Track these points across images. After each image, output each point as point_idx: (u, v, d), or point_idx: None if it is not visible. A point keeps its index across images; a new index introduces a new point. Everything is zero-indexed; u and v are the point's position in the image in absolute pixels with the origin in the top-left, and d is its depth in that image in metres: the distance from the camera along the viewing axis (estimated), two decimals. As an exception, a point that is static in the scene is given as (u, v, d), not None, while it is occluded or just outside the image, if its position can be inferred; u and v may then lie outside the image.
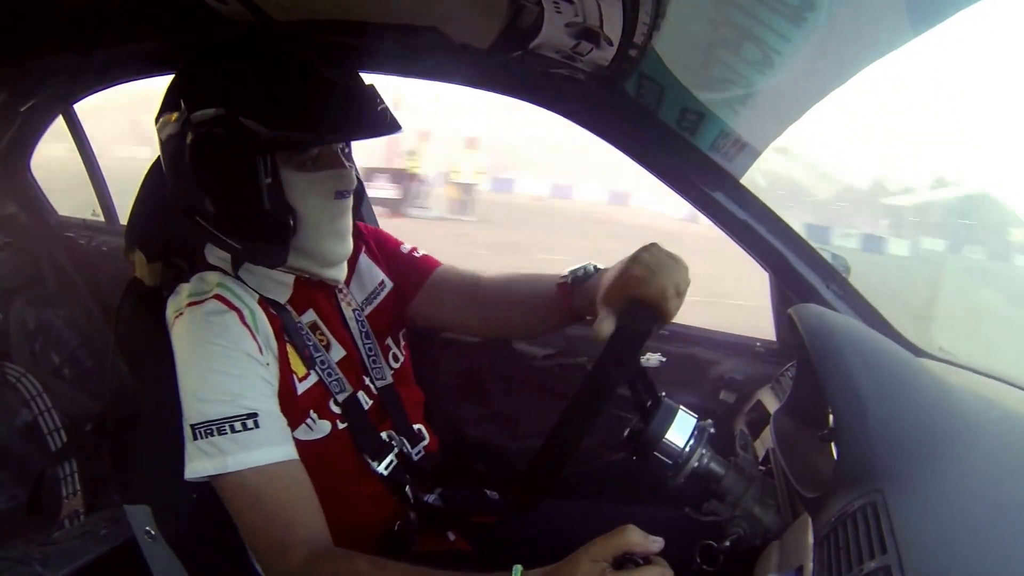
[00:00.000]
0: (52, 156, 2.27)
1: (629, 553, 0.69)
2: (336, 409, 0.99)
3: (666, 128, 1.16)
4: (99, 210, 2.25)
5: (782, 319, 1.30)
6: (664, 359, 1.34)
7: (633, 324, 0.83)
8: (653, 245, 0.88)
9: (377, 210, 2.12)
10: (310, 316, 1.03)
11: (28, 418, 1.81)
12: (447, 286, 1.17)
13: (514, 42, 1.06)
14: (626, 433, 0.93)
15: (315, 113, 0.90)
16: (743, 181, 1.20)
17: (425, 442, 1.12)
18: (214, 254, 1.00)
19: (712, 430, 0.90)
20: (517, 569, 0.73)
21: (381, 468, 1.02)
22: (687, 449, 0.87)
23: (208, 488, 0.89)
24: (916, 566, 0.54)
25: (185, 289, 0.96)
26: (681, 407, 0.90)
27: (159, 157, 1.05)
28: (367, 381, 1.06)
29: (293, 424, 0.93)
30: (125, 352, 1.04)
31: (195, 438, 0.86)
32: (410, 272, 1.17)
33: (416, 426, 1.12)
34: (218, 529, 0.92)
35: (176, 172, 0.93)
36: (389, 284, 1.16)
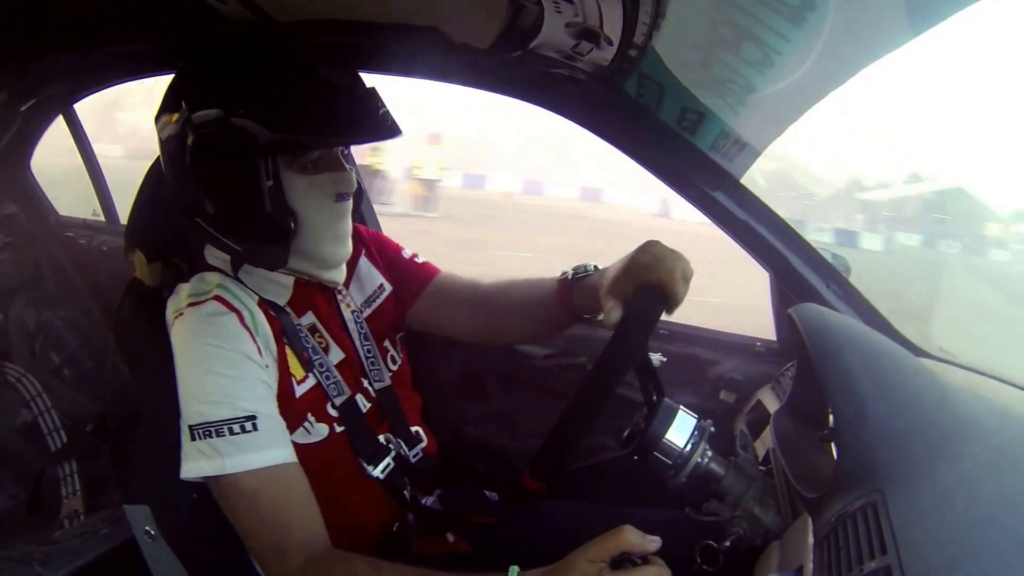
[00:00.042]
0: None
1: (626, 553, 0.69)
2: (333, 412, 0.99)
3: (666, 128, 1.16)
4: (99, 210, 2.25)
5: (782, 319, 1.30)
6: (664, 359, 1.34)
7: (643, 308, 0.86)
8: (655, 241, 0.91)
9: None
10: (309, 318, 1.03)
11: (28, 418, 1.81)
12: (446, 293, 1.18)
13: (514, 42, 1.06)
14: (626, 433, 0.93)
15: (317, 116, 0.90)
16: (743, 181, 1.20)
17: (423, 444, 1.12)
18: (213, 255, 1.00)
19: (712, 430, 0.90)
20: (514, 570, 0.73)
21: (377, 472, 1.01)
22: (687, 449, 0.88)
23: (206, 487, 0.89)
24: (916, 566, 0.54)
25: (185, 289, 0.96)
26: (681, 407, 0.91)
27: (159, 157, 1.05)
28: (365, 383, 1.06)
29: (291, 427, 0.93)
30: (125, 352, 1.04)
31: (193, 439, 0.86)
32: (410, 278, 1.18)
33: (414, 428, 1.12)
34: (218, 529, 0.92)
35: (176, 173, 0.93)
36: (388, 288, 1.16)
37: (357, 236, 1.12)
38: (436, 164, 11.95)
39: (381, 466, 1.02)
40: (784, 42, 0.86)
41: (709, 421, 0.91)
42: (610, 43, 0.98)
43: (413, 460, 1.09)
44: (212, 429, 0.85)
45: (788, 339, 1.28)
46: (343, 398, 1.00)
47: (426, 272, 1.19)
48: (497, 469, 1.46)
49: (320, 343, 1.01)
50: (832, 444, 0.81)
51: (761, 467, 0.97)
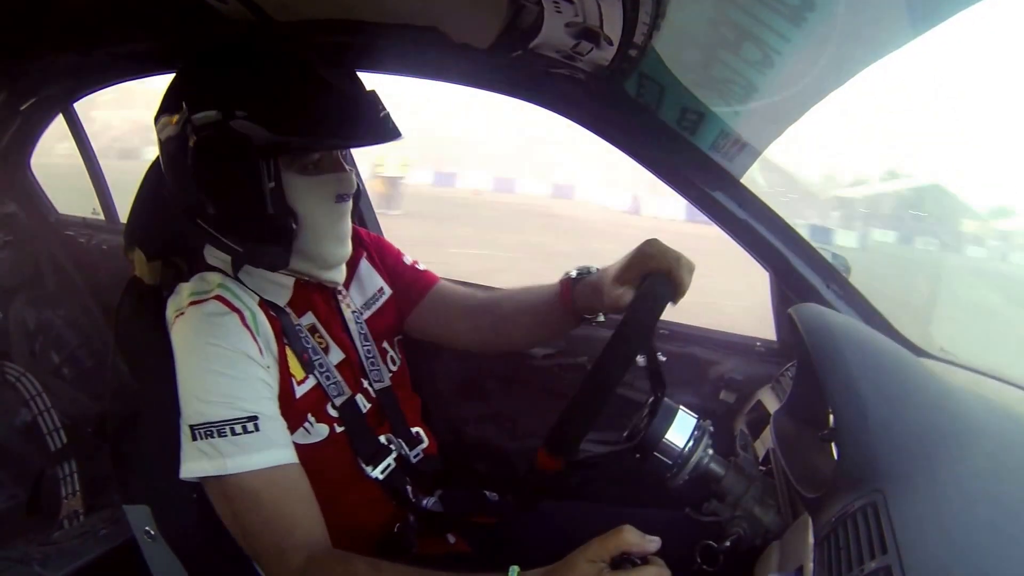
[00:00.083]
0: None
1: (626, 553, 0.69)
2: (334, 413, 0.99)
3: (666, 128, 1.16)
4: (99, 208, 2.25)
5: (782, 319, 1.30)
6: (664, 359, 1.34)
7: (654, 289, 0.89)
8: (655, 239, 0.95)
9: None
10: (309, 319, 1.03)
11: (27, 418, 1.81)
12: (446, 302, 1.19)
13: (514, 42, 1.06)
14: (626, 433, 0.93)
15: (319, 118, 0.90)
16: (743, 181, 1.20)
17: (424, 445, 1.12)
18: (213, 255, 1.00)
19: (712, 430, 0.90)
20: (514, 570, 0.73)
21: (377, 472, 1.01)
22: (687, 449, 0.88)
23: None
24: (916, 566, 0.54)
25: (186, 289, 0.96)
26: (681, 407, 0.91)
27: (159, 157, 1.05)
28: (365, 384, 1.06)
29: (291, 427, 0.93)
30: (125, 351, 1.04)
31: (194, 439, 0.85)
32: (410, 285, 1.19)
33: (415, 429, 1.12)
34: (218, 529, 0.92)
35: (177, 173, 0.93)
36: (388, 291, 1.17)
37: (358, 239, 1.12)
38: (399, 161, 11.91)
39: (381, 467, 1.02)
40: (784, 42, 0.86)
41: (708, 421, 0.91)
42: (610, 43, 0.98)
43: (414, 461, 1.09)
44: (214, 429, 0.85)
45: (788, 339, 1.28)
46: (343, 398, 1.00)
47: (426, 280, 1.20)
48: (497, 469, 1.46)
49: (320, 343, 1.01)
50: (832, 444, 0.81)
51: (761, 467, 0.97)
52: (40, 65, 1.60)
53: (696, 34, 0.96)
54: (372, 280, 1.16)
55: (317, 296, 1.05)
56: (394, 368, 1.13)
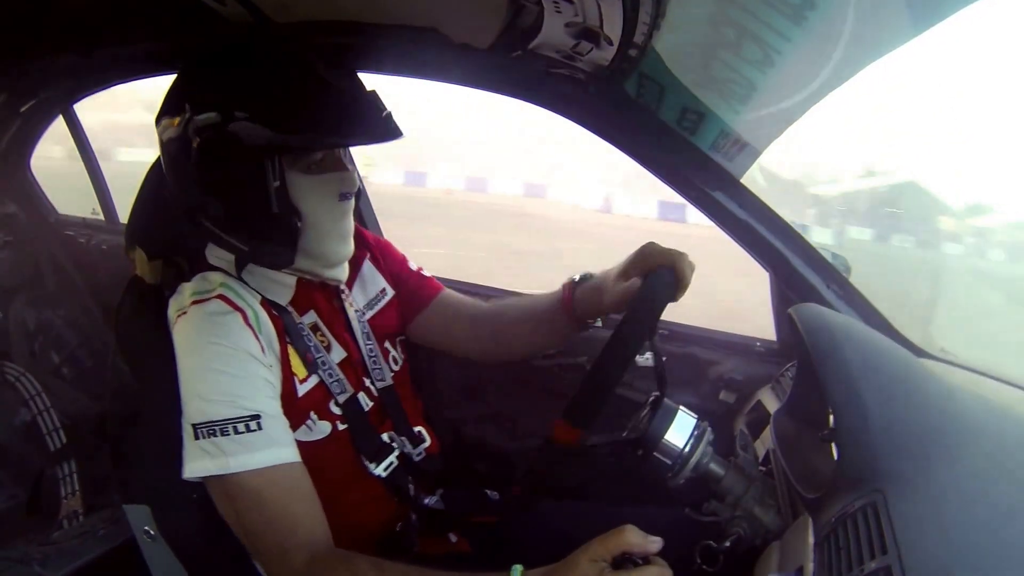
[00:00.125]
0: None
1: (628, 553, 0.69)
2: (336, 410, 1.00)
3: (666, 128, 1.16)
4: (99, 208, 2.25)
5: (782, 319, 1.29)
6: (664, 359, 1.34)
7: (659, 278, 0.93)
8: (654, 242, 1.00)
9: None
10: (311, 317, 1.03)
11: (27, 418, 1.81)
12: (449, 310, 1.20)
13: (514, 42, 1.06)
14: (625, 433, 0.93)
15: (323, 117, 0.91)
16: (743, 181, 1.19)
17: (426, 444, 1.12)
18: (216, 255, 1.00)
19: (711, 430, 0.90)
20: (516, 569, 0.73)
21: (380, 470, 1.02)
22: (687, 450, 0.88)
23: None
24: (917, 566, 0.53)
25: (188, 288, 0.96)
26: (681, 407, 0.91)
27: (159, 157, 1.05)
28: (367, 383, 1.07)
29: (293, 425, 0.93)
30: (125, 350, 1.04)
31: (196, 437, 0.85)
32: (415, 291, 1.20)
33: (417, 428, 1.12)
34: (218, 528, 0.92)
35: (180, 174, 0.93)
36: (391, 292, 1.18)
37: (362, 241, 1.13)
38: (362, 160, 11.92)
39: (384, 464, 1.02)
40: (785, 41, 0.86)
41: (707, 422, 0.92)
42: (610, 43, 0.98)
43: (417, 459, 1.09)
44: (216, 428, 0.85)
45: (788, 339, 1.28)
46: (346, 395, 1.00)
47: (430, 288, 1.21)
48: (497, 469, 1.46)
49: (322, 342, 1.02)
50: (832, 444, 0.81)
51: (761, 467, 0.97)
52: (40, 66, 1.60)
53: (696, 34, 0.95)
54: (375, 281, 1.17)
55: (319, 295, 1.05)
56: (396, 368, 1.13)
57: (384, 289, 1.17)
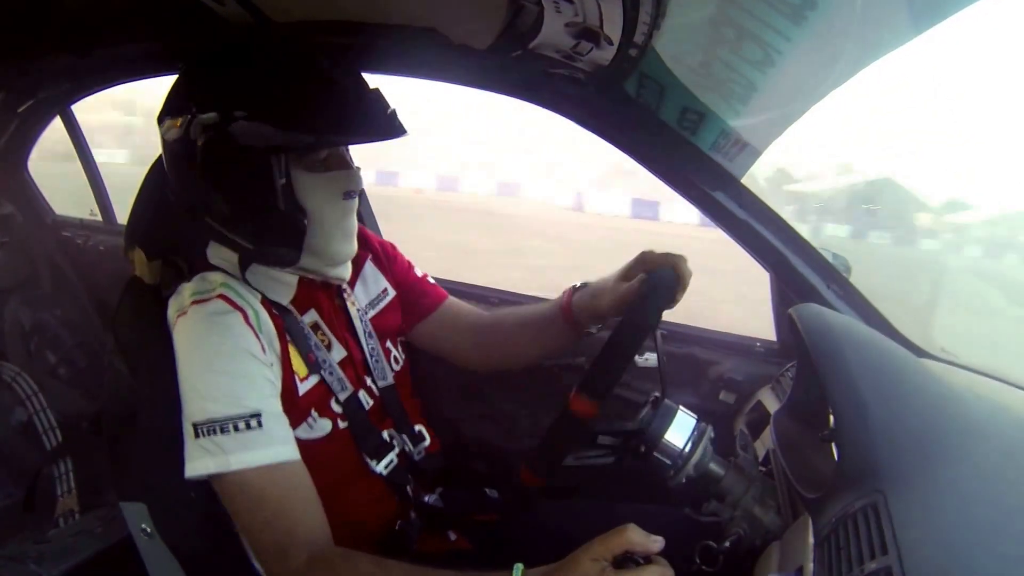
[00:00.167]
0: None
1: (629, 552, 0.69)
2: (337, 408, 1.00)
3: (666, 128, 1.16)
4: (96, 209, 2.25)
5: (782, 319, 1.29)
6: (664, 359, 1.34)
7: (663, 276, 0.96)
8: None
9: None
10: (311, 316, 1.03)
11: (23, 417, 1.81)
12: (453, 319, 1.22)
13: (514, 42, 1.06)
14: (631, 424, 0.93)
15: (329, 115, 0.91)
16: (743, 181, 1.19)
17: (426, 443, 1.12)
18: (217, 255, 1.00)
19: (712, 431, 0.90)
20: (518, 568, 0.73)
21: (380, 468, 1.02)
22: (687, 450, 0.88)
23: (205, 485, 0.89)
24: (917, 567, 0.53)
25: (188, 288, 0.96)
26: (680, 407, 0.91)
27: (160, 156, 1.05)
28: (368, 381, 1.07)
29: (294, 423, 0.93)
30: (123, 350, 1.04)
31: (197, 436, 0.86)
32: (419, 298, 1.21)
33: (417, 427, 1.12)
34: (215, 526, 0.92)
35: (184, 173, 0.93)
36: (392, 292, 1.19)
37: (365, 242, 1.14)
38: None
39: (384, 462, 1.02)
40: (785, 41, 0.86)
41: (708, 422, 0.91)
42: (610, 43, 0.98)
43: (417, 458, 1.09)
44: (217, 426, 0.85)
45: (788, 339, 1.27)
46: (346, 393, 1.01)
47: (435, 295, 1.23)
48: (496, 468, 1.45)
49: (322, 340, 1.02)
50: (832, 444, 0.81)
51: (761, 467, 0.97)
52: (39, 66, 1.59)
53: (696, 33, 0.95)
54: (377, 281, 1.18)
55: (321, 294, 1.05)
56: (397, 367, 1.14)
57: (386, 289, 1.18)
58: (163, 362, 0.91)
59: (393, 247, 1.24)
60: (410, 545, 1.01)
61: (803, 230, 1.18)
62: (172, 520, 1.00)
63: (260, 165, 0.89)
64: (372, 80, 1.01)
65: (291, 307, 1.00)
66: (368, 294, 1.15)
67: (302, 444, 0.91)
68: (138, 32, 1.28)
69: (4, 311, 2.14)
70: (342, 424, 1.00)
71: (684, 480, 0.88)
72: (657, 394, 0.94)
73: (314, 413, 0.97)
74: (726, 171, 1.17)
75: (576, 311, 1.11)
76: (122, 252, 1.09)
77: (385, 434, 1.05)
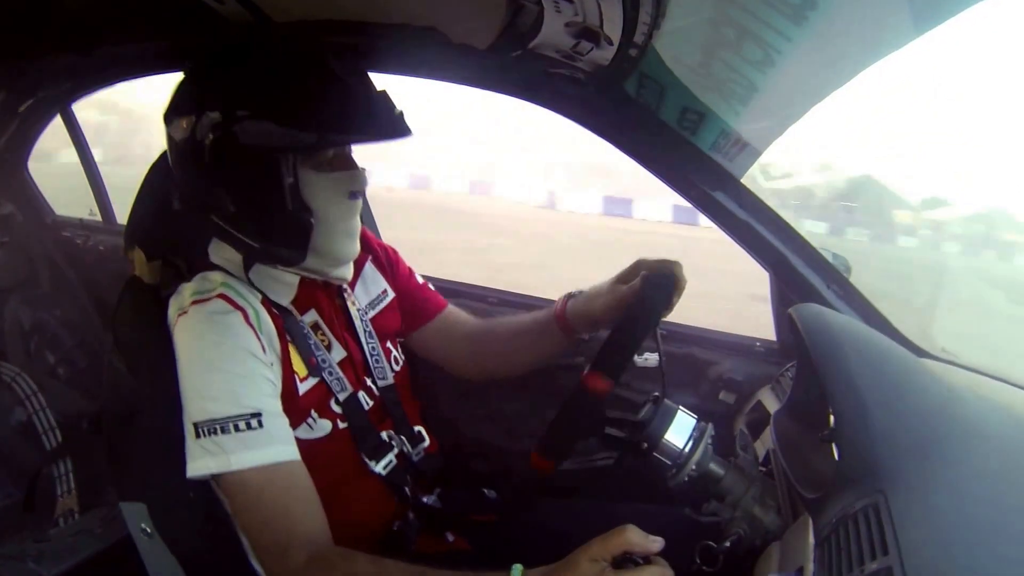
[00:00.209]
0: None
1: (628, 553, 0.69)
2: (337, 408, 1.00)
3: (666, 128, 1.16)
4: (96, 209, 2.24)
5: (782, 319, 1.29)
6: (663, 359, 1.33)
7: (663, 275, 0.99)
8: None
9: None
10: (311, 316, 1.03)
11: (23, 417, 1.81)
12: (451, 327, 1.23)
13: (514, 42, 1.05)
14: (639, 413, 0.93)
15: (338, 115, 0.92)
16: (743, 180, 1.19)
17: (425, 444, 1.12)
18: (220, 254, 1.00)
19: (712, 431, 0.90)
20: (517, 568, 0.73)
21: (379, 468, 1.02)
22: (686, 450, 0.88)
23: (204, 485, 0.89)
24: (918, 567, 0.53)
25: (188, 288, 0.96)
26: (680, 408, 0.91)
27: (160, 156, 1.05)
28: (368, 381, 1.07)
29: (294, 423, 0.93)
30: (123, 350, 1.04)
31: (198, 436, 0.86)
32: (419, 305, 1.22)
33: (416, 428, 1.12)
34: (214, 526, 0.92)
35: (193, 172, 0.93)
36: (391, 294, 1.19)
37: (366, 243, 1.14)
38: None
39: (383, 462, 1.02)
40: (785, 41, 0.86)
41: (708, 422, 0.91)
42: (610, 43, 0.98)
43: (416, 459, 1.09)
44: (217, 426, 0.85)
45: (788, 339, 1.27)
46: (346, 394, 1.01)
47: (435, 303, 1.24)
48: (495, 469, 1.45)
49: (322, 341, 1.02)
50: (833, 444, 0.81)
51: (761, 467, 0.97)
52: (39, 66, 1.59)
53: (697, 33, 0.95)
54: (377, 282, 1.18)
55: (321, 294, 1.05)
56: (397, 368, 1.14)
57: (385, 290, 1.18)
58: (163, 362, 0.91)
59: (395, 252, 1.24)
60: (408, 546, 1.01)
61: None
62: (172, 520, 1.00)
63: (267, 164, 0.89)
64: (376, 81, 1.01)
65: (291, 307, 1.00)
66: (368, 294, 1.15)
67: (302, 444, 0.91)
68: (138, 31, 1.28)
69: (4, 311, 2.14)
70: (342, 424, 1.00)
71: (684, 480, 0.88)
72: (657, 393, 0.94)
73: (314, 413, 0.97)
74: (726, 171, 1.17)
75: (570, 317, 1.13)
76: (122, 252, 1.09)
77: (384, 435, 1.05)
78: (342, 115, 0.91)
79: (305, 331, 0.99)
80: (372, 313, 1.14)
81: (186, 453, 0.87)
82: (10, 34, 1.28)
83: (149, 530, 1.00)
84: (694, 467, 0.88)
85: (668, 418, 0.89)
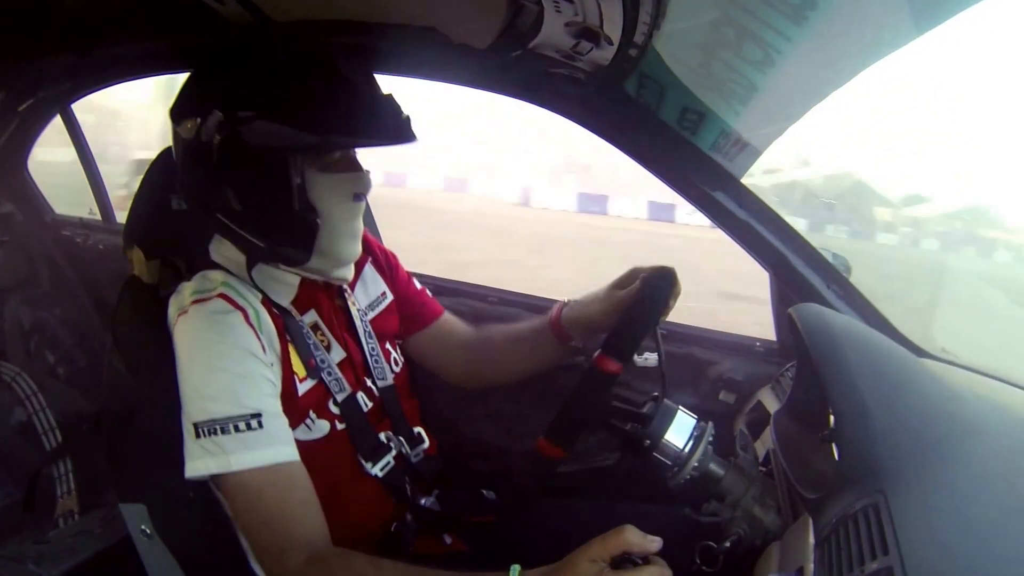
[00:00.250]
0: None
1: (627, 553, 0.69)
2: (335, 409, 1.00)
3: (666, 128, 1.16)
4: (96, 208, 2.24)
5: (782, 319, 1.29)
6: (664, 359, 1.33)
7: (663, 273, 1.02)
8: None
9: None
10: (311, 316, 1.03)
11: (23, 417, 1.80)
12: (447, 334, 1.24)
13: (514, 42, 1.05)
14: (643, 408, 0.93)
15: (347, 117, 0.91)
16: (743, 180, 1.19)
17: (425, 445, 1.12)
18: (221, 253, 1.00)
19: (712, 431, 0.90)
20: (515, 569, 0.73)
21: (376, 470, 1.02)
22: (686, 450, 0.88)
23: (204, 486, 0.89)
24: (918, 567, 0.53)
25: (188, 288, 0.96)
26: (680, 408, 0.91)
27: (160, 156, 1.05)
28: (368, 382, 1.07)
29: (292, 424, 0.93)
30: (122, 350, 1.04)
31: (198, 436, 0.85)
32: (416, 310, 1.22)
33: (416, 429, 1.12)
34: (214, 527, 0.92)
35: (200, 171, 0.93)
36: (390, 296, 1.19)
37: (366, 245, 1.14)
38: None
39: (380, 464, 1.02)
40: (785, 41, 0.86)
41: (710, 423, 0.91)
42: (610, 43, 0.98)
43: (414, 460, 1.09)
44: (217, 426, 0.85)
45: (788, 339, 1.27)
46: (344, 394, 1.00)
47: (432, 310, 1.24)
48: (494, 469, 1.45)
49: (322, 341, 1.02)
50: (833, 444, 0.81)
51: (761, 468, 0.97)
52: (39, 66, 1.59)
53: (697, 33, 0.95)
54: (376, 284, 1.18)
55: (321, 294, 1.05)
56: (396, 369, 1.14)
57: (384, 292, 1.19)
58: (162, 362, 0.91)
59: (395, 257, 1.25)
60: (406, 547, 1.00)
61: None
62: (171, 521, 1.00)
63: (275, 164, 0.89)
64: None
65: (291, 307, 1.00)
66: (368, 296, 1.16)
67: (301, 445, 0.91)
68: (138, 31, 1.28)
69: (4, 310, 2.13)
70: (340, 425, 1.00)
71: (684, 480, 0.88)
72: (657, 393, 0.94)
73: (312, 414, 0.97)
74: (726, 171, 1.17)
75: (566, 324, 1.14)
76: (121, 251, 1.09)
77: (383, 436, 1.05)
78: (348, 117, 0.91)
79: (305, 331, 0.99)
80: (372, 315, 1.14)
81: (184, 453, 0.87)
82: (10, 34, 1.27)
83: (149, 531, 1.00)
84: (694, 467, 0.88)
85: (668, 418, 0.89)
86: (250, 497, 0.85)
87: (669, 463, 0.88)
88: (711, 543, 0.85)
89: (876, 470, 0.68)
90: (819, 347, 0.81)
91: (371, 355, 1.08)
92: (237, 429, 0.85)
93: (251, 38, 1.11)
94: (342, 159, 0.97)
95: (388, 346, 1.14)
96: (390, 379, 1.10)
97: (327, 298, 1.06)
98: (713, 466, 0.89)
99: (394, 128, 0.96)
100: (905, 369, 0.82)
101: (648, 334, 0.97)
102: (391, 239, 1.47)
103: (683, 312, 1.13)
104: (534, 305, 1.52)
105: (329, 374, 0.99)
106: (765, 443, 1.02)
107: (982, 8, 0.75)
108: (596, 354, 0.93)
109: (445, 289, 1.60)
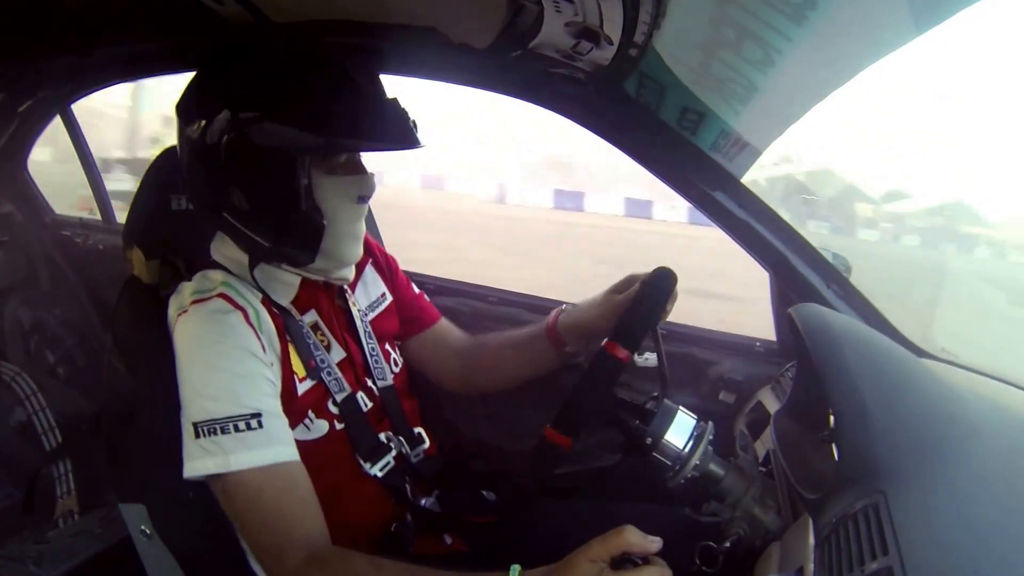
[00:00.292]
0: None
1: (627, 553, 0.69)
2: (334, 409, 1.00)
3: (666, 128, 1.16)
4: (95, 208, 2.25)
5: (782, 319, 1.29)
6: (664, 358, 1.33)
7: (663, 272, 1.00)
8: None
9: (115, 203, 2.18)
10: (311, 316, 1.03)
11: (22, 417, 1.80)
12: (443, 339, 1.25)
13: (514, 42, 1.05)
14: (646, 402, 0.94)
15: (355, 120, 0.92)
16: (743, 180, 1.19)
17: (425, 445, 1.12)
18: (223, 252, 1.00)
19: (712, 431, 0.90)
20: (515, 569, 0.73)
21: (376, 470, 1.02)
22: (686, 450, 0.88)
23: (204, 486, 0.89)
24: (918, 567, 0.53)
25: (188, 287, 0.96)
26: (680, 408, 0.91)
27: (160, 156, 1.05)
28: (368, 382, 1.07)
29: (291, 424, 0.93)
30: (122, 349, 1.04)
31: (197, 436, 0.85)
32: (414, 314, 1.23)
33: (416, 429, 1.12)
34: (214, 527, 0.92)
35: (207, 170, 0.93)
36: (390, 297, 1.20)
37: (367, 247, 1.14)
38: None
39: (380, 464, 1.02)
40: (786, 41, 0.86)
41: (710, 424, 0.91)
42: (610, 42, 0.98)
43: (414, 461, 1.09)
44: (217, 426, 0.85)
45: (788, 339, 1.27)
46: (344, 394, 1.00)
47: (429, 314, 1.25)
48: (495, 469, 1.45)
49: (322, 341, 1.02)
50: (833, 445, 0.81)
51: (761, 468, 0.97)
52: (38, 66, 1.59)
53: (697, 33, 0.95)
54: (376, 285, 1.19)
55: (322, 294, 1.05)
56: (396, 369, 1.14)
57: (384, 293, 1.19)
58: (162, 362, 0.91)
59: (394, 260, 1.25)
60: (406, 548, 1.00)
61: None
62: (171, 521, 1.00)
63: (283, 164, 0.89)
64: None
65: (291, 307, 1.00)
66: (368, 297, 1.16)
67: (300, 445, 0.91)
68: (138, 31, 1.28)
69: (4, 310, 2.14)
70: (339, 425, 1.00)
71: (684, 480, 0.88)
72: (657, 393, 0.94)
73: (311, 414, 0.97)
74: (726, 171, 1.17)
75: (561, 331, 1.14)
76: (121, 251, 1.09)
77: (382, 436, 1.05)
78: (355, 121, 0.91)
79: (305, 331, 0.99)
80: (372, 315, 1.14)
81: (184, 453, 0.87)
82: (10, 34, 1.28)
83: (148, 531, 1.00)
84: (694, 467, 0.88)
85: (668, 418, 0.89)
86: (249, 497, 0.85)
87: (669, 463, 0.88)
88: (711, 543, 0.85)
89: (876, 470, 0.68)
90: (819, 347, 0.81)
91: (371, 355, 1.08)
92: (237, 429, 0.85)
93: (251, 38, 1.11)
94: (348, 162, 0.97)
95: (388, 347, 1.14)
96: (390, 379, 1.10)
97: (327, 298, 1.06)
98: (713, 466, 0.89)
99: (400, 133, 0.96)
100: (905, 369, 0.82)
101: (659, 317, 0.98)
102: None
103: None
104: (534, 305, 1.52)
105: (329, 374, 0.99)
106: (765, 443, 1.02)
107: (981, 8, 0.75)
108: (605, 341, 0.93)
109: (446, 289, 1.60)
